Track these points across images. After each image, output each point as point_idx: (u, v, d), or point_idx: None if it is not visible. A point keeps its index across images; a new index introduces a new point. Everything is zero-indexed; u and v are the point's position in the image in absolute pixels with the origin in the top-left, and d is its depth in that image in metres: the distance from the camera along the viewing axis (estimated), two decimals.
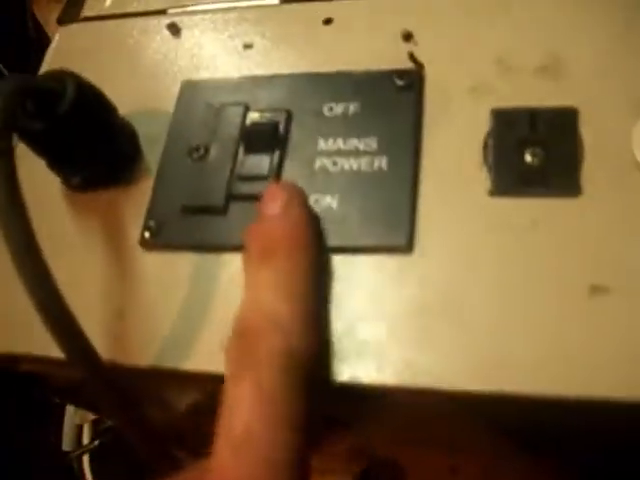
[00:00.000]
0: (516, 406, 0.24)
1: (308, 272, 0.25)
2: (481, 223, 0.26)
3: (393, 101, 0.29)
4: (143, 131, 0.32)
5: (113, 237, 0.30)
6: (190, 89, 0.32)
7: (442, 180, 0.27)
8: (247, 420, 0.21)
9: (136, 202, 0.30)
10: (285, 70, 0.31)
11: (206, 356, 0.26)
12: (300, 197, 0.26)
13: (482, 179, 0.27)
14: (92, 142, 0.30)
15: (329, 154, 0.28)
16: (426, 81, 0.29)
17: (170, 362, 0.27)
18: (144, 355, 0.28)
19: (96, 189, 0.31)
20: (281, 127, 0.29)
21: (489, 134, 0.28)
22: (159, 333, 0.27)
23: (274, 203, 0.26)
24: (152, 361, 0.27)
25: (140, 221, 0.30)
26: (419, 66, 0.29)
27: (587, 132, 0.27)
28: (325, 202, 0.27)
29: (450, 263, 0.26)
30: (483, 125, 0.28)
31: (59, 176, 0.31)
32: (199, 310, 0.28)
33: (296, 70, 0.31)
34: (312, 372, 0.23)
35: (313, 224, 0.26)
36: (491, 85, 0.29)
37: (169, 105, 0.32)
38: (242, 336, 0.23)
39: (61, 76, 0.29)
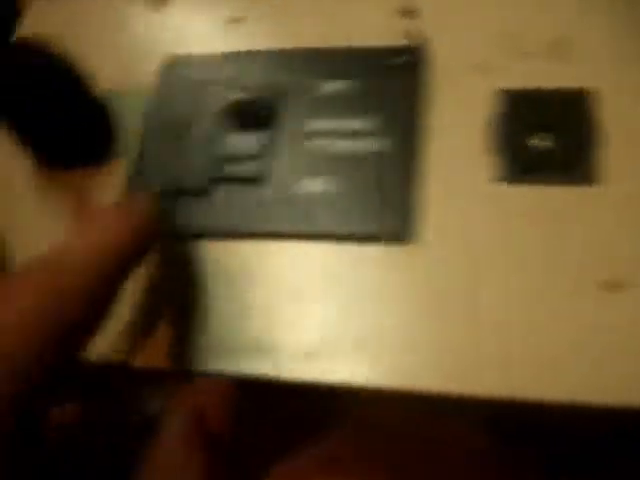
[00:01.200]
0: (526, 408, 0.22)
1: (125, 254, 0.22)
2: (485, 211, 0.24)
3: (393, 79, 0.27)
4: (122, 108, 0.29)
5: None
6: (172, 65, 0.29)
7: (445, 164, 0.25)
8: None
9: (112, 183, 0.28)
10: (275, 46, 0.29)
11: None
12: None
13: (488, 164, 0.25)
14: (61, 117, 0.27)
15: (324, 134, 0.26)
16: (428, 59, 0.27)
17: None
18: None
19: (69, 168, 0.29)
20: (270, 105, 0.27)
21: (495, 116, 0.26)
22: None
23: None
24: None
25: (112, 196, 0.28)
26: (421, 43, 0.27)
27: (600, 116, 0.25)
28: (320, 185, 0.25)
29: (452, 253, 0.24)
30: (489, 106, 0.26)
31: (29, 154, 0.29)
32: (179, 298, 0.25)
33: (287, 46, 0.29)
34: None
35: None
36: (497, 64, 0.27)
37: (150, 81, 0.30)
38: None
39: (30, 46, 0.26)
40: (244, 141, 0.26)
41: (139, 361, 0.25)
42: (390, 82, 0.27)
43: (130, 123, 0.29)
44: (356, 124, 0.26)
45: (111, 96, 0.29)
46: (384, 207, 0.24)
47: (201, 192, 0.26)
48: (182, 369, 0.24)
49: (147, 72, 0.30)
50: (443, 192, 0.25)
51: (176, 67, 0.29)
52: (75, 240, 0.22)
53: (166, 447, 0.23)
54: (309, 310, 0.24)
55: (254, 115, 0.26)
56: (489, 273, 0.23)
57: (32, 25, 0.33)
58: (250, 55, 0.29)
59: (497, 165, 0.25)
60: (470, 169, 0.25)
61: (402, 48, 0.27)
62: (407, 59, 0.27)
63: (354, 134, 0.26)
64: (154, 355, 0.25)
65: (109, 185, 0.28)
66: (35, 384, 0.19)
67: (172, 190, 0.26)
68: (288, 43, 0.29)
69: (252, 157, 0.26)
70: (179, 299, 0.25)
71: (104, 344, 0.24)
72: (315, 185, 0.25)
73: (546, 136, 0.25)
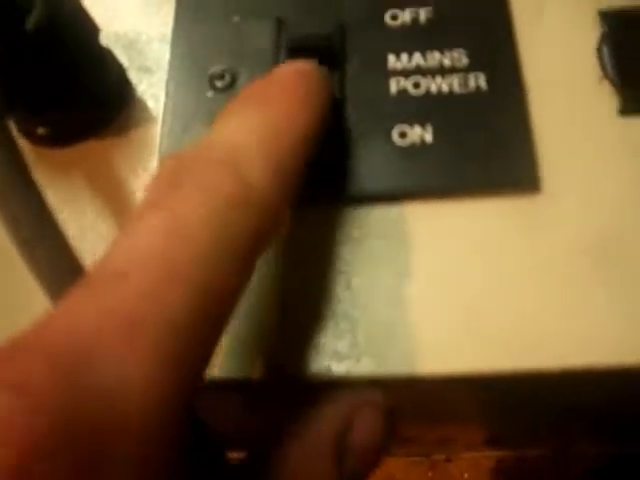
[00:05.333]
0: None
1: (301, 133, 0.17)
2: (616, 150, 0.21)
3: (474, 3, 0.22)
4: (130, 60, 0.24)
5: (113, 203, 0.22)
6: (191, 1, 0.24)
7: (556, 100, 0.21)
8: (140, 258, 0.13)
9: (133, 155, 0.22)
10: None
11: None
12: (324, 72, 0.19)
13: (605, 96, 0.21)
14: (67, 75, 0.21)
15: (406, 73, 0.22)
16: None
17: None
18: None
19: (69, 141, 0.23)
20: (331, 41, 0.22)
21: (603, 41, 0.22)
22: None
23: (286, 68, 0.19)
24: None
25: (145, 179, 0.22)
26: None
27: None
28: (414, 135, 0.21)
29: (587, 203, 0.20)
30: (590, 31, 0.22)
31: (19, 124, 0.22)
32: None
33: None
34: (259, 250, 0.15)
35: (328, 103, 0.19)
36: None
37: (162, 25, 0.24)
38: (181, 165, 0.15)
39: None
40: None
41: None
42: (472, 5, 0.22)
43: (142, 77, 0.23)
44: (444, 58, 0.22)
45: (114, 46, 0.23)
46: (501, 154, 0.20)
47: None
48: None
49: (156, 14, 0.24)
50: (562, 132, 0.21)
51: (195, 3, 0.24)
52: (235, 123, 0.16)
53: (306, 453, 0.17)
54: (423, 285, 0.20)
55: (317, 54, 0.21)
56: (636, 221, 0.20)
57: None
58: None
59: (620, 96, 0.21)
60: (587, 103, 0.21)
61: None
62: None
63: (444, 70, 0.21)
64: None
65: (129, 157, 0.22)
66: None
67: None
68: None
69: None
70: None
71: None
72: (411, 134, 0.21)
73: None
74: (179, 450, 0.13)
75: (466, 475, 0.49)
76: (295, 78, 0.18)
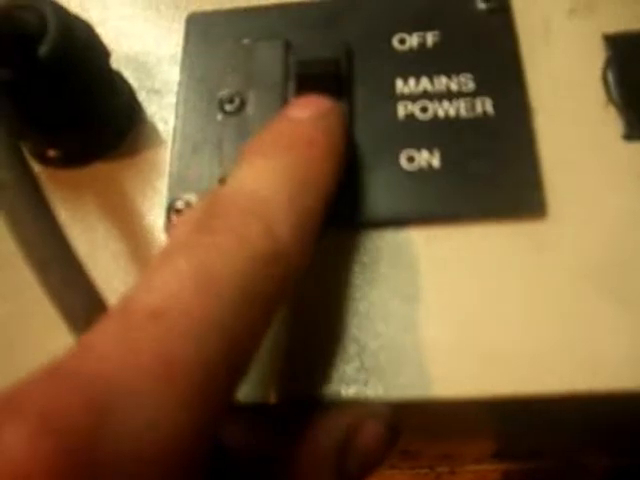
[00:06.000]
0: None
1: (324, 186, 0.17)
2: (622, 175, 0.21)
3: (481, 27, 0.23)
4: (139, 82, 0.24)
5: (123, 224, 0.22)
6: (200, 24, 0.24)
7: (561, 124, 0.22)
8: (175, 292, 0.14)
9: (143, 176, 0.23)
10: None
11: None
12: (340, 111, 0.19)
13: (610, 120, 0.21)
14: (78, 99, 0.21)
15: (413, 98, 0.22)
16: (514, 2, 0.23)
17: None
18: None
19: (80, 163, 0.23)
20: (339, 66, 0.22)
21: (608, 65, 0.22)
22: None
23: (303, 108, 0.19)
24: None
25: (154, 201, 0.22)
26: None
27: None
28: (422, 159, 0.21)
29: (592, 226, 0.20)
30: (595, 54, 0.22)
31: (31, 147, 0.23)
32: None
33: None
34: (283, 297, 0.16)
35: (346, 144, 0.19)
36: (595, 5, 0.23)
37: (171, 46, 0.24)
38: (210, 211, 0.16)
39: (39, 5, 0.20)
40: None
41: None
42: (478, 30, 0.23)
43: (152, 99, 0.23)
44: (451, 83, 0.22)
45: (122, 68, 0.24)
46: (508, 178, 0.20)
47: None
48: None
49: (166, 36, 0.24)
50: (567, 156, 0.21)
51: (205, 26, 0.24)
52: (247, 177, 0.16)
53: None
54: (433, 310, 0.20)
55: (325, 78, 0.22)
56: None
57: None
58: (299, 7, 0.24)
59: (625, 121, 0.21)
60: (592, 127, 0.21)
61: None
62: (494, 3, 0.23)
63: (450, 95, 0.22)
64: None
65: (137, 179, 0.23)
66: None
67: None
68: None
69: None
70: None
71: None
72: (419, 159, 0.21)
73: None
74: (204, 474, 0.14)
75: None
76: (317, 124, 0.18)
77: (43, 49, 0.20)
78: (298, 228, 0.16)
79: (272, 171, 0.16)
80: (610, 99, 0.22)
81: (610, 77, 0.22)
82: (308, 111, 0.18)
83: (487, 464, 0.48)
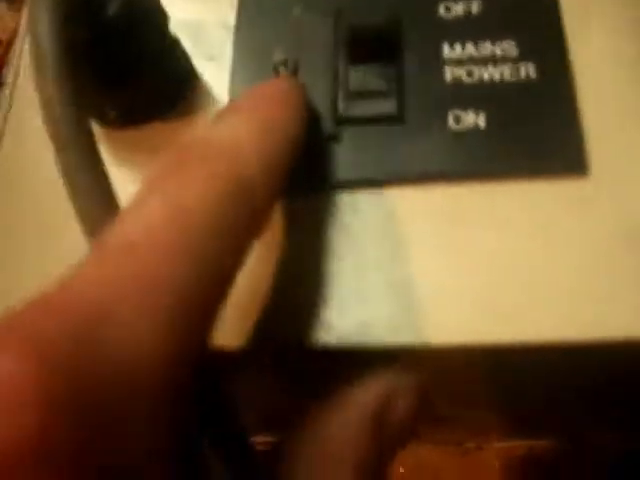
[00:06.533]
0: None
1: (289, 129, 0.19)
2: None
3: None
4: (195, 48, 0.25)
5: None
6: None
7: (603, 89, 0.22)
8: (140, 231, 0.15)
9: None
10: None
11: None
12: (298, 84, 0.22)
13: None
14: (140, 60, 0.23)
15: (460, 62, 0.23)
16: None
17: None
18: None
19: (138, 122, 0.24)
20: (390, 32, 0.23)
21: None
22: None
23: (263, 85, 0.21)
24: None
25: None
26: None
27: None
28: (468, 120, 0.22)
29: (635, 188, 0.21)
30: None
31: (93, 109, 0.24)
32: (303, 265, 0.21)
33: None
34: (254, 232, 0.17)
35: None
36: None
37: (226, 13, 0.25)
38: (181, 153, 0.17)
39: None
40: (371, 75, 0.22)
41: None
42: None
43: (207, 64, 0.25)
44: (496, 48, 0.23)
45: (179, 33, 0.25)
46: (548, 139, 0.21)
47: (329, 139, 0.22)
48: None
49: (217, 5, 0.25)
50: (608, 118, 0.22)
51: None
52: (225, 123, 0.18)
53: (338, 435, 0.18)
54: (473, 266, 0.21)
55: (376, 43, 0.22)
56: None
57: None
58: None
59: None
60: (635, 91, 0.22)
61: None
62: None
63: (495, 60, 0.23)
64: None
65: None
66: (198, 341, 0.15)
67: None
68: None
69: (384, 93, 0.22)
70: (303, 266, 0.22)
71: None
72: (465, 119, 0.22)
73: None
74: (189, 411, 0.15)
75: (497, 464, 0.49)
76: (276, 90, 0.20)
77: (112, 8, 0.21)
78: (264, 165, 0.17)
79: (239, 120, 0.18)
80: None
81: None
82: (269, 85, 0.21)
83: (513, 440, 0.49)
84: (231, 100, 0.22)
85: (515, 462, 0.49)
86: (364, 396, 0.18)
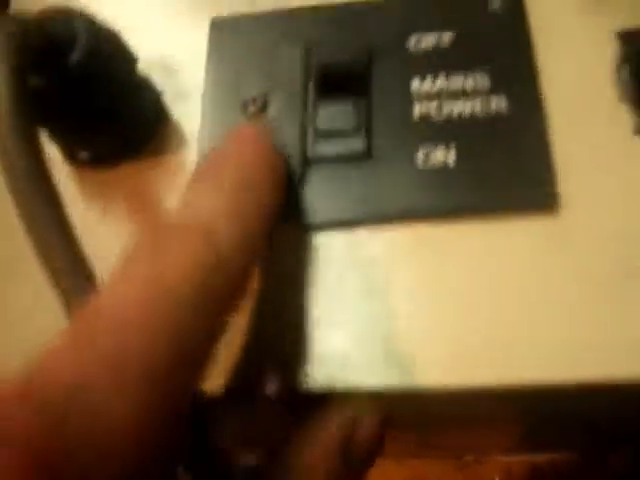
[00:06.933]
0: None
1: (261, 191, 0.19)
2: (633, 170, 0.21)
3: (494, 27, 0.23)
4: (166, 86, 0.25)
5: (145, 220, 0.23)
6: (224, 28, 0.25)
7: (574, 121, 0.22)
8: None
9: (169, 176, 0.24)
10: None
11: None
12: (264, 129, 0.22)
13: (623, 117, 0.22)
14: (106, 104, 0.22)
15: (429, 97, 0.22)
16: (527, 0, 0.24)
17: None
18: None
19: (109, 164, 0.24)
20: (360, 67, 0.23)
21: (621, 62, 0.22)
22: None
23: (228, 138, 0.21)
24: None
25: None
26: None
27: None
28: (438, 157, 0.22)
29: (604, 220, 0.21)
30: (607, 51, 0.23)
31: (63, 149, 0.24)
32: (276, 302, 0.21)
33: None
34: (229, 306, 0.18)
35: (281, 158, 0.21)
36: (606, 3, 0.24)
37: (196, 51, 0.25)
38: (159, 233, 0.18)
39: (68, 16, 0.21)
40: (340, 112, 0.22)
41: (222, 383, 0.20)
42: (492, 29, 0.23)
43: (178, 102, 0.24)
44: (467, 81, 0.22)
45: (149, 72, 0.24)
46: (522, 174, 0.21)
47: (295, 178, 0.22)
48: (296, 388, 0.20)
49: (190, 41, 0.25)
50: (579, 152, 0.22)
51: (229, 30, 0.25)
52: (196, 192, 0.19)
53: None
54: (448, 303, 0.21)
55: (346, 79, 0.22)
56: None
57: None
58: (318, 10, 0.24)
59: (637, 117, 0.22)
60: (605, 124, 0.22)
61: None
62: (505, 2, 0.23)
63: (466, 93, 0.22)
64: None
65: (163, 179, 0.24)
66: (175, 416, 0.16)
67: None
68: None
69: (352, 131, 0.22)
70: (277, 304, 0.21)
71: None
72: (434, 156, 0.22)
73: None
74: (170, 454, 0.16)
75: (497, 478, 0.49)
76: (244, 144, 0.20)
77: (73, 57, 0.21)
78: (237, 236, 0.18)
79: (208, 191, 0.19)
80: (622, 96, 0.22)
81: (623, 74, 0.22)
82: (233, 137, 0.20)
83: (512, 455, 0.49)
84: (201, 156, 0.23)
85: (515, 476, 0.49)
86: (333, 428, 0.20)
